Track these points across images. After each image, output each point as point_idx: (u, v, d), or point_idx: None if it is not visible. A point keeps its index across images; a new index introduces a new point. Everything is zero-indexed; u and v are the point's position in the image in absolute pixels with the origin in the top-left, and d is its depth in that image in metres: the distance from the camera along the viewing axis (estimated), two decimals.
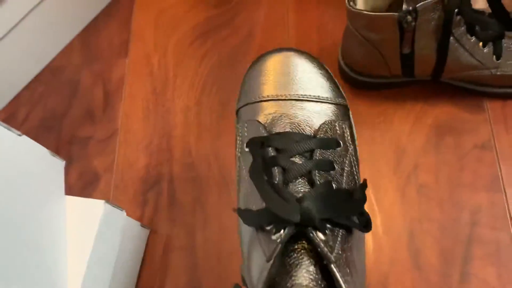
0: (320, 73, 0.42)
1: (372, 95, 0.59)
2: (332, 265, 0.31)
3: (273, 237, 0.32)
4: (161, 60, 0.67)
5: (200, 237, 0.56)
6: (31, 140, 0.43)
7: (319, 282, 0.31)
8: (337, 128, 0.39)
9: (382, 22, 0.47)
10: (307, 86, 0.41)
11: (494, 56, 0.50)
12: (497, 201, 0.52)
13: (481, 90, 0.55)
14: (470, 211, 0.52)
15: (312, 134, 0.39)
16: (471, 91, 0.55)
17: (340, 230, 0.33)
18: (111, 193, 0.60)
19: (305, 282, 0.31)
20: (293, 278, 0.31)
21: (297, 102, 0.40)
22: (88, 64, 0.69)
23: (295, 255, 0.32)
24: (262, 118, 0.40)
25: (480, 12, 0.50)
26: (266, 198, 0.32)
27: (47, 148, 0.64)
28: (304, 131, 0.39)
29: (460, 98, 0.57)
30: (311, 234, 0.31)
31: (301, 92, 0.41)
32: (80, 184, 0.62)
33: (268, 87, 0.41)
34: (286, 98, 0.40)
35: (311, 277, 0.31)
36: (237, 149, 0.41)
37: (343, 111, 0.42)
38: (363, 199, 0.35)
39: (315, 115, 0.40)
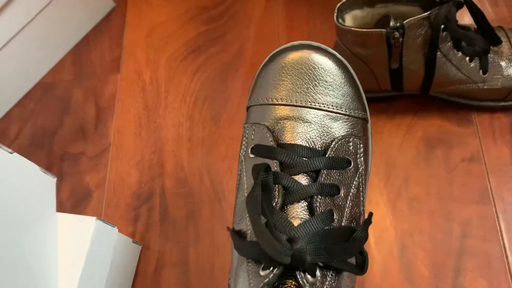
0: (344, 79, 0.38)
1: None
2: None
3: (261, 273, 0.30)
4: (153, 76, 0.67)
5: (192, 253, 0.56)
6: (22, 157, 0.43)
7: None
8: (351, 144, 0.36)
9: (370, 38, 0.48)
10: (327, 93, 0.37)
11: (481, 71, 0.51)
12: (486, 213, 0.52)
13: (469, 103, 0.56)
14: (461, 223, 0.52)
15: (322, 150, 0.36)
16: (459, 104, 0.56)
17: (331, 271, 0.31)
18: (103, 209, 0.60)
19: None
20: None
21: (313, 110, 0.36)
22: (79, 80, 0.70)
23: None
24: (271, 124, 0.37)
25: (466, 28, 0.51)
26: (258, 234, 0.30)
27: (39, 165, 0.64)
28: (314, 145, 0.35)
29: (449, 111, 0.57)
30: (298, 276, 0.30)
31: (319, 100, 0.36)
32: (72, 200, 0.62)
33: (283, 90, 0.37)
34: (301, 105, 0.36)
35: None
36: (241, 151, 0.38)
37: (361, 125, 0.38)
38: (365, 237, 0.32)
39: (330, 128, 0.36)
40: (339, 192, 0.34)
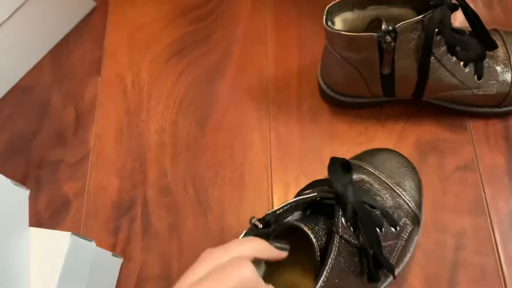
0: (416, 179, 0.47)
1: (352, 114, 0.58)
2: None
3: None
4: (135, 79, 0.65)
5: (176, 266, 0.53)
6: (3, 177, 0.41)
7: None
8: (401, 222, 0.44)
9: (361, 43, 0.46)
10: (398, 179, 0.46)
11: (476, 76, 0.49)
12: (481, 224, 0.50)
13: (463, 109, 0.54)
14: (455, 235, 0.50)
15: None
16: (453, 110, 0.54)
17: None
18: (82, 220, 0.57)
19: None
20: None
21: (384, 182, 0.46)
22: (59, 83, 0.67)
23: None
24: None
25: (460, 32, 0.49)
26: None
27: (15, 173, 0.62)
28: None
29: (442, 117, 0.55)
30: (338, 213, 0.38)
31: (391, 179, 0.46)
32: (50, 210, 0.59)
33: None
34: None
35: None
36: None
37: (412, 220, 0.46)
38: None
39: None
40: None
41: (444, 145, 0.55)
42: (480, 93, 0.50)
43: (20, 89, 0.67)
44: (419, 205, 0.46)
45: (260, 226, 0.36)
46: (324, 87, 0.56)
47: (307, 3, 0.66)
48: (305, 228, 0.36)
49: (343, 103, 0.56)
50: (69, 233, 0.44)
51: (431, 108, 0.55)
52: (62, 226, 0.58)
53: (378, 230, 0.42)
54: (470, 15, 0.46)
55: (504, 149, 0.53)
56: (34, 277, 0.43)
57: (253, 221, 0.36)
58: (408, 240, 0.45)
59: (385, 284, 0.43)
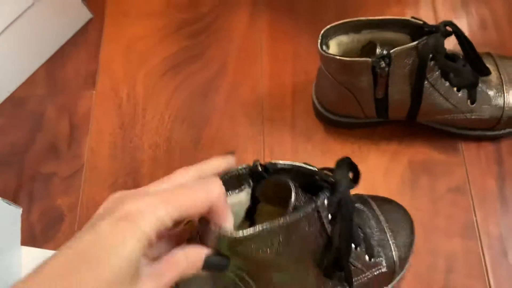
0: (411, 239, 0.48)
1: (345, 133, 0.58)
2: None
3: None
4: (130, 93, 0.64)
5: None
6: None
7: None
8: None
9: (355, 67, 0.46)
10: (395, 228, 0.47)
11: (469, 101, 0.50)
12: (472, 247, 0.50)
13: (456, 132, 0.54)
14: (445, 257, 0.51)
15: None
16: (446, 132, 0.55)
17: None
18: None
19: None
20: None
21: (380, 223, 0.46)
22: (53, 95, 0.66)
23: None
24: None
25: (454, 56, 0.49)
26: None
27: (8, 185, 0.61)
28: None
29: (435, 139, 0.56)
30: None
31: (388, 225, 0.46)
32: (43, 224, 0.58)
33: None
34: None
35: None
36: None
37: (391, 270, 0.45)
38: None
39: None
40: None
41: (436, 166, 0.55)
42: (473, 117, 0.51)
43: (14, 101, 0.67)
44: (402, 260, 0.46)
45: (260, 169, 0.36)
46: (318, 106, 0.57)
47: (303, 20, 0.66)
48: (291, 185, 0.34)
49: (336, 122, 0.56)
50: None
51: (424, 130, 0.55)
52: (55, 240, 0.57)
53: (353, 245, 0.42)
54: (464, 42, 0.46)
55: (496, 173, 0.53)
56: None
57: (256, 163, 0.36)
58: (375, 280, 0.44)
59: None
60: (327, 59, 0.47)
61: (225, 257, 0.32)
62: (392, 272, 0.45)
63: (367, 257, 0.43)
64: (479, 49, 0.56)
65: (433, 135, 0.56)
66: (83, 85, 0.66)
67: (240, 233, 0.31)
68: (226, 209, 0.31)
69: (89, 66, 0.68)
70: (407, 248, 0.47)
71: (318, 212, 0.35)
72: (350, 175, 0.38)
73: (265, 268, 0.36)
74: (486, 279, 0.49)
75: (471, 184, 0.53)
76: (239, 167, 0.36)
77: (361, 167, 0.56)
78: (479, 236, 0.51)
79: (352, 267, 0.42)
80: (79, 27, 0.70)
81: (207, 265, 0.31)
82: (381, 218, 0.46)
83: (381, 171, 0.56)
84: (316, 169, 0.37)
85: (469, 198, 0.53)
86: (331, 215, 0.37)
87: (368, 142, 0.57)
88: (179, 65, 0.65)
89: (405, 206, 0.52)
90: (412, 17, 0.46)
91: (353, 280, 0.42)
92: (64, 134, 0.64)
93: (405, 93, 0.48)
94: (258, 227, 0.32)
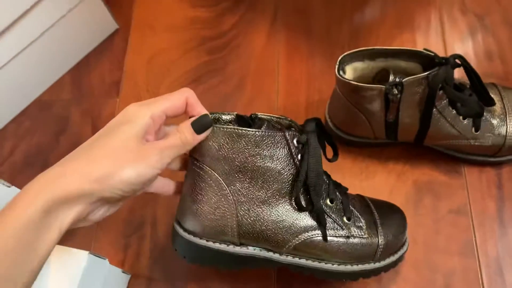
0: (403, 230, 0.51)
1: (355, 151, 0.61)
2: None
3: None
4: None
5: (180, 284, 0.56)
6: (19, 190, 0.44)
7: None
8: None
9: (369, 93, 0.49)
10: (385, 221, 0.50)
11: (473, 128, 0.53)
12: (470, 266, 0.54)
13: (460, 156, 0.57)
14: (444, 274, 0.54)
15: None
16: (450, 156, 0.58)
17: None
18: (94, 235, 0.60)
19: None
20: None
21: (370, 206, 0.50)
22: (77, 101, 0.70)
23: None
24: None
25: (462, 86, 0.52)
26: None
27: None
28: None
29: (440, 162, 0.59)
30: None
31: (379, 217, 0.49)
32: None
33: None
34: None
35: None
36: None
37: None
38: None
39: None
40: None
41: (439, 188, 0.58)
42: (476, 143, 0.54)
43: (40, 104, 0.70)
44: (385, 250, 0.48)
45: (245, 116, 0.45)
46: (330, 124, 0.60)
47: (318, 42, 0.69)
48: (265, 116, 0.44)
49: (347, 141, 0.60)
50: (87, 252, 0.47)
51: (430, 152, 0.59)
52: (75, 238, 0.60)
53: (328, 200, 0.47)
54: (471, 74, 0.50)
55: (496, 197, 0.57)
56: None
57: (252, 115, 0.45)
58: (354, 249, 0.47)
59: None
60: (343, 83, 0.50)
61: (205, 115, 0.41)
62: (374, 252, 0.47)
63: (344, 218, 0.47)
64: (485, 79, 0.59)
65: (438, 158, 0.59)
66: (107, 92, 0.70)
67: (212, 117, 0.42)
68: (199, 103, 0.41)
69: (114, 75, 0.71)
70: (396, 240, 0.49)
71: (287, 139, 0.42)
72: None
73: (236, 173, 0.42)
74: None
75: (471, 206, 0.57)
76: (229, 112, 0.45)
77: (368, 185, 0.60)
78: (478, 255, 0.54)
79: (327, 217, 0.46)
80: (106, 37, 0.74)
81: (196, 128, 0.40)
82: (374, 211, 0.49)
83: (387, 190, 0.59)
84: (289, 120, 0.45)
85: (469, 219, 0.56)
86: (301, 156, 0.43)
87: (376, 161, 0.61)
88: (199, 79, 0.69)
89: (409, 224, 0.55)
90: (424, 49, 0.50)
91: (331, 234, 0.45)
92: (87, 138, 0.66)
93: (414, 118, 0.51)
94: (230, 126, 0.41)
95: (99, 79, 0.71)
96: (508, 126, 0.53)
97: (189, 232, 0.46)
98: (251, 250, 0.46)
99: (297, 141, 0.43)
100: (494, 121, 0.54)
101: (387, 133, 0.55)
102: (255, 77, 0.68)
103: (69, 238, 0.60)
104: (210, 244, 0.45)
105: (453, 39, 0.67)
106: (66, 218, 0.35)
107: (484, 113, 0.53)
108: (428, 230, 0.56)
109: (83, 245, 0.59)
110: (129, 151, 0.36)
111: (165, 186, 0.46)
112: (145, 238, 0.59)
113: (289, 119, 0.45)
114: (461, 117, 0.52)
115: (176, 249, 0.47)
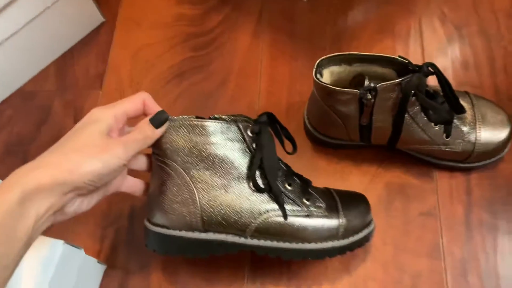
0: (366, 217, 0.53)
1: (331, 152, 0.63)
2: None
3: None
4: None
5: (155, 278, 0.57)
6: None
7: None
8: None
9: (344, 97, 0.51)
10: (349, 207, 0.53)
11: (444, 134, 0.55)
12: (436, 268, 0.55)
13: (431, 161, 0.59)
14: (411, 275, 0.55)
15: None
16: (422, 160, 0.60)
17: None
18: (71, 225, 0.61)
19: None
20: None
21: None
22: (61, 92, 0.70)
23: None
24: None
25: (434, 93, 0.54)
26: None
27: (11, 172, 0.65)
28: None
29: (412, 166, 0.61)
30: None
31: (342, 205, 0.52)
32: None
33: None
34: None
35: None
36: None
37: None
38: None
39: None
40: None
41: (411, 191, 0.60)
42: (447, 149, 0.56)
43: (23, 94, 0.71)
44: (348, 230, 0.50)
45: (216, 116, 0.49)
46: (308, 126, 0.61)
47: (302, 44, 0.71)
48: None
49: (324, 142, 0.61)
50: (61, 241, 0.48)
51: (403, 156, 0.60)
52: (51, 228, 0.61)
53: (287, 184, 0.49)
54: (443, 82, 0.51)
55: (464, 201, 0.59)
56: (25, 280, 0.46)
57: (211, 117, 0.49)
58: (314, 228, 0.49)
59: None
60: (319, 86, 0.52)
61: (161, 111, 0.45)
62: (336, 231, 0.50)
63: (304, 199, 0.49)
64: (460, 87, 0.61)
65: (411, 162, 0.61)
66: (91, 85, 0.71)
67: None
68: (155, 104, 0.47)
69: (98, 67, 0.72)
70: (358, 220, 0.51)
71: (240, 130, 0.47)
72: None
73: (196, 162, 0.46)
74: None
75: (440, 209, 0.59)
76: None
77: (342, 185, 0.61)
78: (444, 257, 0.56)
79: (285, 197, 0.48)
80: (91, 29, 0.74)
81: (154, 123, 0.44)
82: (336, 196, 0.52)
83: (360, 191, 0.60)
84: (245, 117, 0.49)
85: (437, 222, 0.58)
86: (255, 144, 0.47)
87: (351, 162, 0.62)
88: (183, 74, 0.70)
89: (378, 225, 0.57)
90: (399, 56, 0.51)
91: (291, 214, 0.48)
92: (68, 129, 0.67)
93: (387, 122, 0.53)
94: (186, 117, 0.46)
95: (83, 71, 0.72)
96: (477, 134, 0.55)
97: (157, 225, 0.49)
98: (216, 235, 0.48)
99: (251, 131, 0.47)
100: (465, 128, 0.55)
101: (361, 136, 0.57)
102: (238, 76, 0.70)
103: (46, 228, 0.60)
104: (176, 232, 0.47)
105: (432, 47, 0.69)
106: (41, 206, 0.38)
107: (455, 120, 0.55)
108: (398, 232, 0.58)
109: (60, 235, 0.59)
110: (96, 145, 0.41)
111: (136, 185, 0.51)
112: (122, 230, 0.60)
113: (245, 116, 0.49)
114: (432, 124, 0.54)
115: (147, 245, 0.49)
